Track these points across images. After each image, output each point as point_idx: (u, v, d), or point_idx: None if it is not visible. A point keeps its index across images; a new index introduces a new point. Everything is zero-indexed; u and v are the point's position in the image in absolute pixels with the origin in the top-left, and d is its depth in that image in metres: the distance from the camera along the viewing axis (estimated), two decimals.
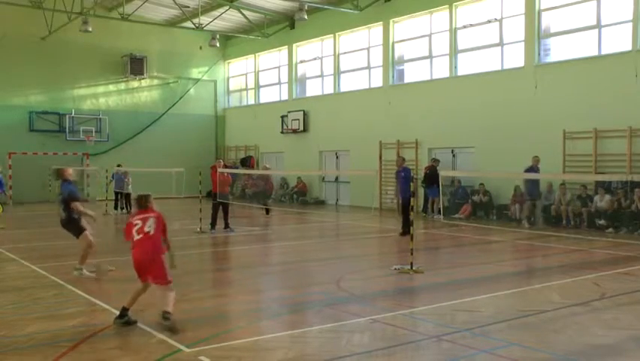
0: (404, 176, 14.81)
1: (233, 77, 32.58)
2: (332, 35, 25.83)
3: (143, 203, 6.93)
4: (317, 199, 26.40)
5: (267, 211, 20.90)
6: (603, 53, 17.24)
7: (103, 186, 22.12)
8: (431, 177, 19.17)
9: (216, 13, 26.71)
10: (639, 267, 10.67)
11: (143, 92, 30.17)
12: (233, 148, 31.65)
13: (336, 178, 26.09)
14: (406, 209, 14.40)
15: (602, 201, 16.03)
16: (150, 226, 6.69)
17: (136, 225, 6.71)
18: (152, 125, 29.95)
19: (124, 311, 6.81)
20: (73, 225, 9.60)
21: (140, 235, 6.67)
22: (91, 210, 10.08)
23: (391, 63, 23.40)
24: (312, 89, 27.61)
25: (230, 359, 5.65)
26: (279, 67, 29.28)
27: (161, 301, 6.55)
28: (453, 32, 21.06)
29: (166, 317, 6.40)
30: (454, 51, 21.09)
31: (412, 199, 10.99)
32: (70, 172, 9.85)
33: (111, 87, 29.34)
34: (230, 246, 14.31)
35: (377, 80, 24.03)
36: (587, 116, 17.11)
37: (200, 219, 15.91)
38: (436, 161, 20.43)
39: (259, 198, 22.54)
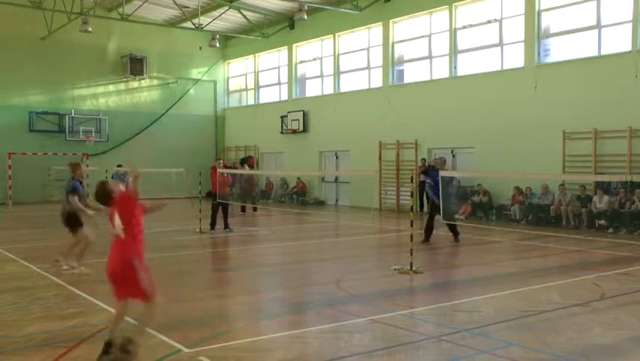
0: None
1: (233, 77, 32.58)
2: (332, 35, 25.83)
3: (103, 199, 5.66)
4: (317, 199, 26.39)
5: (254, 209, 21.81)
6: (603, 53, 17.24)
7: None
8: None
9: (216, 13, 26.71)
10: (639, 267, 10.68)
11: (143, 92, 30.16)
12: (233, 148, 31.64)
13: (336, 178, 26.09)
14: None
15: (601, 202, 16.04)
16: (118, 226, 5.41)
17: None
18: (152, 126, 29.94)
19: (108, 347, 5.45)
20: (72, 219, 10.02)
21: (114, 239, 5.51)
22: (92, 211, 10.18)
23: (391, 63, 23.41)
24: (312, 89, 27.61)
25: (230, 360, 5.65)
26: (278, 67, 29.28)
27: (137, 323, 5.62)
28: (453, 33, 21.06)
29: (124, 347, 5.35)
30: (453, 51, 21.09)
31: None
32: (82, 172, 10.54)
33: (111, 87, 29.33)
34: (230, 246, 14.31)
35: (377, 81, 24.03)
36: (586, 116, 17.12)
37: (200, 219, 15.90)
38: (435, 161, 20.44)
39: (245, 198, 22.66)
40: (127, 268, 5.36)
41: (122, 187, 5.75)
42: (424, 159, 21.10)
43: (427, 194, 19.88)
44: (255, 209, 22.02)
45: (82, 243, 10.03)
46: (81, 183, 10.36)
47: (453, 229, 14.14)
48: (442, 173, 13.43)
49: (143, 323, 5.62)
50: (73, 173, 10.37)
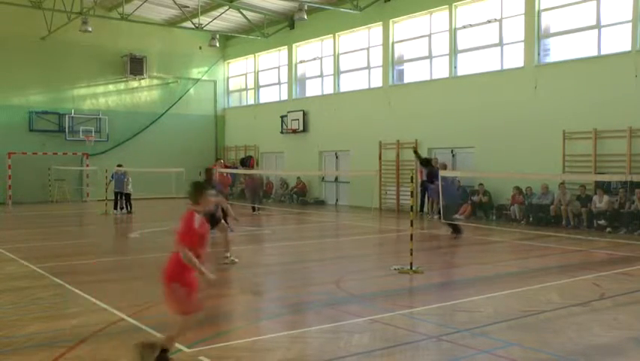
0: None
1: (233, 77, 32.58)
2: (332, 35, 25.83)
3: (191, 196, 5.44)
4: (317, 199, 26.39)
5: (254, 209, 21.67)
6: (603, 53, 17.24)
7: (102, 186, 22.10)
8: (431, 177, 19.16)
9: (216, 13, 26.71)
10: (638, 267, 10.68)
11: (143, 92, 30.16)
12: (233, 148, 31.64)
13: (336, 178, 26.09)
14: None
15: (600, 202, 16.04)
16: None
17: None
18: (152, 125, 29.94)
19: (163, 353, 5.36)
20: (214, 216, 11.09)
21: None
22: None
23: (391, 63, 23.41)
24: (312, 89, 27.61)
25: (230, 359, 5.65)
26: (278, 67, 29.28)
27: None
28: (453, 32, 21.06)
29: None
30: (453, 51, 21.09)
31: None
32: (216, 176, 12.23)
33: (111, 87, 29.33)
34: (230, 246, 14.27)
35: (377, 80, 24.03)
36: (586, 116, 17.12)
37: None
38: (435, 160, 20.47)
39: (254, 198, 22.70)
40: (167, 288, 5.26)
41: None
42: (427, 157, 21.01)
43: (427, 193, 20.03)
44: (255, 209, 22.08)
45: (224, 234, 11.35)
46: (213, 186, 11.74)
47: (454, 227, 14.68)
48: (442, 172, 13.55)
49: (170, 332, 5.41)
50: (211, 177, 11.75)
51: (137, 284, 9.45)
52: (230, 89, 32.77)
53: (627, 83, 16.39)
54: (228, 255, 11.09)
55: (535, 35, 18.60)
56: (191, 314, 5.27)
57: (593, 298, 8.17)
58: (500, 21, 19.73)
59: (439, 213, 15.32)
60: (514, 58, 19.36)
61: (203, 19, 26.70)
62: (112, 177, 22.29)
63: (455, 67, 21.12)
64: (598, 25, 17.31)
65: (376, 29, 23.92)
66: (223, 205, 11.47)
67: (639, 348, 6.22)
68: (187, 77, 31.20)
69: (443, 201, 14.62)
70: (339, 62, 25.83)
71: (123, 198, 21.92)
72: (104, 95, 29.19)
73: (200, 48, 30.78)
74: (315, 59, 27.12)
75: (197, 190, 5.42)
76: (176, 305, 5.22)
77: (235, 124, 31.90)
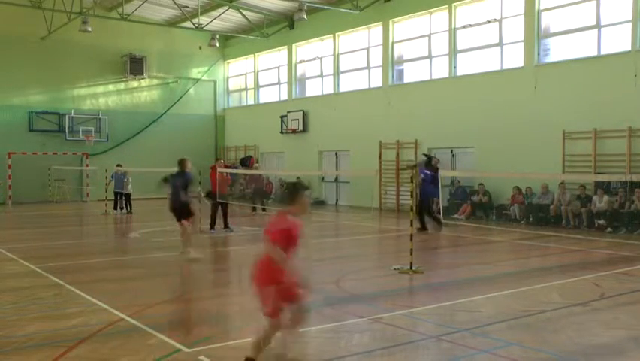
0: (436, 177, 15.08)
1: (232, 77, 32.58)
2: (332, 35, 25.83)
3: (286, 198, 5.28)
4: (317, 199, 26.36)
5: (254, 209, 21.88)
6: (603, 53, 17.25)
7: (102, 186, 22.10)
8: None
9: (216, 13, 26.72)
10: (638, 267, 10.68)
11: (143, 92, 30.17)
12: (233, 148, 31.64)
13: (336, 178, 26.09)
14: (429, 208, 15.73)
15: (601, 202, 16.04)
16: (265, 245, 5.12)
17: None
18: (152, 125, 29.94)
19: None
20: (188, 207, 11.31)
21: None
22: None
23: (391, 63, 23.41)
24: (312, 89, 27.61)
25: (230, 360, 5.65)
26: (278, 67, 29.28)
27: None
28: (452, 32, 21.06)
29: None
30: (453, 51, 21.09)
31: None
32: (190, 165, 11.95)
33: (111, 87, 29.34)
34: (230, 246, 14.31)
35: (377, 80, 24.03)
36: (586, 116, 17.13)
37: (200, 219, 15.86)
38: (435, 160, 20.47)
39: (257, 198, 22.75)
40: (261, 292, 5.16)
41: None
42: (424, 154, 21.01)
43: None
44: (255, 209, 22.18)
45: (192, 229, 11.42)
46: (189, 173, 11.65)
47: (422, 223, 15.53)
48: (442, 173, 13.62)
49: (256, 338, 5.29)
50: (184, 167, 11.63)
51: (137, 284, 9.45)
52: (230, 89, 32.77)
53: (627, 83, 16.40)
54: (188, 250, 11.40)
55: (535, 35, 18.60)
56: (277, 317, 5.13)
57: (593, 298, 8.16)
58: (500, 21, 19.73)
59: (440, 212, 15.34)
60: (514, 58, 19.36)
61: (203, 19, 26.70)
62: (112, 177, 22.30)
63: (455, 67, 21.12)
64: (598, 25, 17.31)
65: (376, 29, 23.92)
66: (191, 201, 11.48)
67: (639, 348, 6.21)
68: (187, 77, 31.21)
69: (422, 197, 15.42)
70: (339, 62, 25.82)
71: (123, 198, 21.94)
72: (104, 95, 29.20)
73: (200, 48, 30.78)
74: (314, 59, 27.12)
75: (293, 191, 5.30)
76: (270, 308, 5.08)
77: (235, 124, 31.90)
